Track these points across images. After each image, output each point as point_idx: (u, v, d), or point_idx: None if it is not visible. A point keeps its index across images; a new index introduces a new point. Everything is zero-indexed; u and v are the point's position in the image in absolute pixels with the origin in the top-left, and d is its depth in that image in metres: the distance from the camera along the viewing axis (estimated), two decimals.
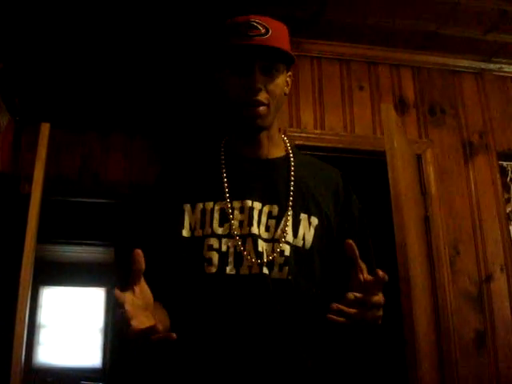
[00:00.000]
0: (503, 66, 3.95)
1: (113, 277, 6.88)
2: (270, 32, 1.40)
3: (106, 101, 4.45)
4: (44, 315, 8.73)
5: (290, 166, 1.53)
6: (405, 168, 2.98)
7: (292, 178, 1.50)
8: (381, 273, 1.21)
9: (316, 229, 1.46)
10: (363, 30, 3.59)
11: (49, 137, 3.17)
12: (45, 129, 3.15)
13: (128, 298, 1.13)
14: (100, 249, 7.52)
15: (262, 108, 1.42)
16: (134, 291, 1.16)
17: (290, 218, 1.43)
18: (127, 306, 1.11)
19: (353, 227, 1.53)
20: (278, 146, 1.57)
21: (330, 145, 3.51)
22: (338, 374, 1.47)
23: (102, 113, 4.60)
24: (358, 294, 1.21)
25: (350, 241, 1.25)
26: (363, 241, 1.53)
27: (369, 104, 3.69)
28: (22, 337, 2.93)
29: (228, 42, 1.43)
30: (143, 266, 1.15)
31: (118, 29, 3.57)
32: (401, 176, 2.77)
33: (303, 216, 1.45)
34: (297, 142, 3.40)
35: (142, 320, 1.12)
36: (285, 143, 1.60)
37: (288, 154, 1.57)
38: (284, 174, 1.51)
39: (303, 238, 1.43)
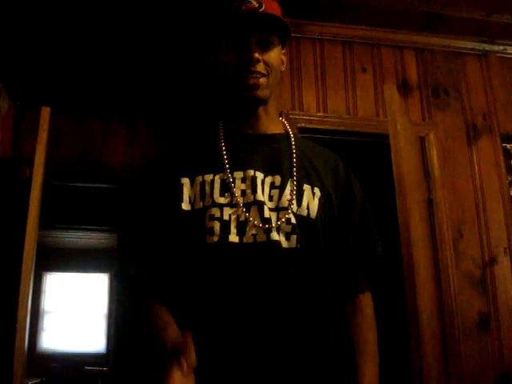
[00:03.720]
0: (507, 47, 3.91)
1: (116, 262, 6.90)
2: (264, 6, 1.39)
3: (107, 85, 4.43)
4: (48, 301, 8.78)
5: (290, 140, 1.53)
6: (408, 151, 2.97)
7: (294, 151, 1.49)
8: None
9: (320, 200, 1.44)
10: (366, 11, 3.55)
11: (50, 122, 3.16)
12: (45, 113, 3.13)
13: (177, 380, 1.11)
14: (103, 234, 7.54)
15: (261, 79, 1.42)
16: (182, 369, 1.13)
17: (293, 187, 1.41)
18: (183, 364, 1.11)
19: (355, 207, 1.51)
20: (276, 124, 1.56)
21: (332, 127, 3.49)
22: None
23: (103, 98, 4.58)
24: None
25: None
26: (365, 221, 1.52)
27: (372, 86, 3.66)
28: (25, 323, 2.93)
29: (223, 13, 1.43)
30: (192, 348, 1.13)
31: (118, 15, 3.55)
32: (404, 159, 2.76)
33: (306, 187, 1.43)
34: (299, 125, 3.38)
35: None
36: (283, 124, 1.59)
37: (287, 132, 1.56)
38: (285, 147, 1.50)
39: (307, 208, 1.41)
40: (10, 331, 2.90)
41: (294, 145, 1.51)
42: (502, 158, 3.68)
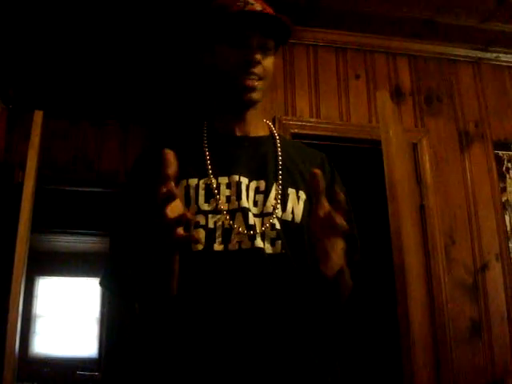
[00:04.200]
0: (500, 55, 3.93)
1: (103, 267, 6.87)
2: (265, 10, 1.40)
3: (100, 89, 4.43)
4: (40, 305, 8.73)
5: (275, 143, 1.52)
6: (400, 157, 2.97)
7: (279, 153, 1.48)
8: (340, 195, 1.18)
9: (305, 203, 1.43)
10: (359, 17, 3.56)
11: (43, 125, 3.15)
12: (38, 117, 3.13)
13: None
14: (95, 238, 7.51)
15: (257, 82, 1.41)
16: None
17: (277, 192, 1.40)
18: (166, 188, 1.09)
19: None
20: (262, 127, 1.56)
21: (325, 133, 3.50)
22: (338, 353, 1.44)
23: (96, 101, 4.58)
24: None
25: (317, 170, 1.21)
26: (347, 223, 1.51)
27: (365, 92, 3.67)
28: (16, 327, 2.92)
29: (226, 11, 1.40)
30: (175, 169, 1.12)
31: (110, 18, 3.55)
32: (396, 165, 2.76)
33: (291, 190, 1.42)
34: (292, 131, 3.39)
35: (173, 208, 1.10)
36: (268, 125, 1.59)
37: (272, 133, 1.56)
38: (270, 150, 1.49)
39: (292, 212, 1.40)
40: (1, 335, 2.88)
41: (280, 147, 1.51)
42: (494, 164, 3.70)
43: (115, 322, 7.17)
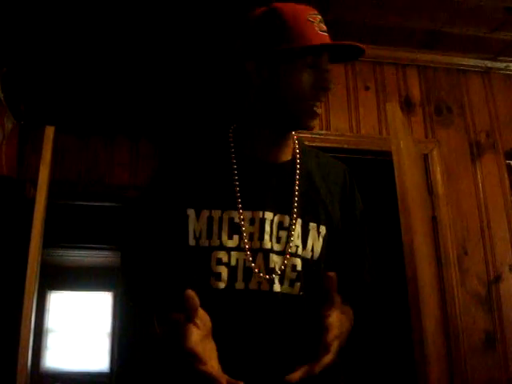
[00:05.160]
0: (510, 64, 3.92)
1: (120, 281, 6.88)
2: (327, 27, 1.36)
3: (110, 105, 4.45)
4: (51, 320, 8.74)
5: (299, 170, 1.45)
6: (411, 168, 2.96)
7: (300, 184, 1.42)
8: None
9: (324, 239, 1.40)
10: (369, 29, 3.56)
11: (54, 141, 3.17)
12: (49, 132, 3.14)
13: (195, 334, 1.10)
14: (106, 253, 7.53)
15: (320, 107, 1.37)
16: (196, 325, 1.12)
17: (299, 228, 1.37)
18: (198, 348, 1.09)
19: (353, 228, 1.50)
20: (290, 148, 1.48)
21: (335, 145, 3.49)
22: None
23: (106, 117, 4.60)
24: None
25: (332, 273, 1.21)
26: (360, 244, 1.51)
27: (374, 104, 3.67)
28: (28, 342, 2.92)
29: (304, 36, 1.32)
30: (198, 303, 1.11)
31: (122, 34, 3.56)
32: (407, 176, 2.75)
33: (312, 225, 1.39)
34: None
35: (212, 364, 1.10)
36: (294, 143, 1.51)
37: (295, 156, 1.47)
38: (293, 179, 1.42)
39: (312, 250, 1.38)
40: (14, 350, 2.88)
41: (302, 174, 1.44)
42: (505, 174, 3.68)
43: (128, 337, 7.16)
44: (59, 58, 3.83)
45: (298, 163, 1.46)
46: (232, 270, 1.31)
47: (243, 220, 1.34)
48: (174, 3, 3.29)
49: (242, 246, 1.32)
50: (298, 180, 1.43)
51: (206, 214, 1.35)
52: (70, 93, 4.29)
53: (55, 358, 8.55)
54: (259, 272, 1.31)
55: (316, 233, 1.39)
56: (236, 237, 1.33)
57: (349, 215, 1.48)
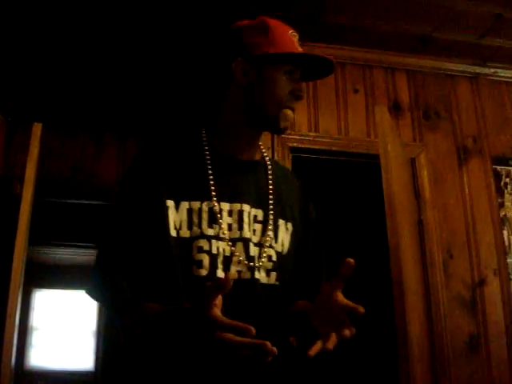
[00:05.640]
0: (498, 70, 3.95)
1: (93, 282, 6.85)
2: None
3: (98, 102, 4.44)
4: (36, 318, 8.69)
5: (267, 169, 1.54)
6: (398, 171, 2.98)
7: (271, 183, 1.50)
8: (360, 308, 1.19)
9: (291, 235, 1.49)
10: (359, 32, 3.58)
11: (41, 138, 3.16)
12: (37, 129, 3.13)
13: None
14: (92, 251, 7.48)
15: (293, 114, 1.47)
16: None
17: (271, 222, 1.44)
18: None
19: (311, 236, 1.57)
20: (258, 149, 1.56)
21: (323, 147, 3.50)
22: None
23: (94, 114, 4.59)
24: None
25: (351, 260, 1.22)
26: (316, 252, 1.58)
27: (363, 107, 3.68)
28: (12, 339, 2.91)
29: (288, 46, 1.43)
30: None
31: (110, 31, 3.56)
32: (394, 179, 2.76)
33: (281, 222, 1.47)
34: (290, 145, 3.39)
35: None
36: (260, 149, 1.58)
37: (263, 157, 1.57)
38: (263, 177, 1.51)
39: (282, 244, 1.45)
40: None
41: (271, 174, 1.53)
42: (492, 179, 3.70)
43: (112, 335, 7.14)
44: (47, 55, 3.82)
45: (269, 164, 1.56)
46: (213, 258, 1.34)
47: (222, 211, 1.39)
48: (161, 4, 3.30)
49: (222, 235, 1.36)
50: (271, 179, 1.51)
51: (185, 205, 1.38)
52: (59, 90, 4.28)
53: (40, 356, 8.50)
54: (241, 260, 1.35)
55: (285, 228, 1.47)
56: (216, 226, 1.37)
57: (305, 222, 1.57)
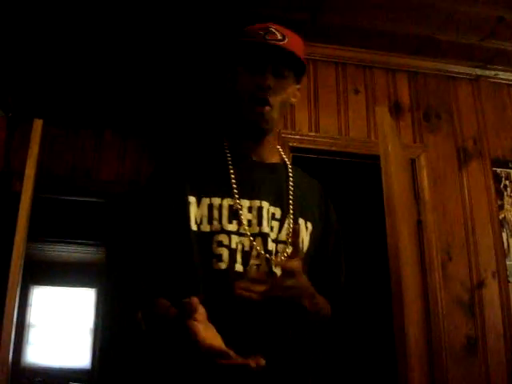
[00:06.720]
0: (499, 72, 3.95)
1: (104, 277, 6.85)
2: (287, 39, 1.44)
3: (99, 99, 4.44)
4: (34, 315, 8.68)
5: (287, 172, 1.58)
6: (398, 172, 2.97)
7: (291, 184, 1.54)
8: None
9: (310, 234, 1.51)
10: (359, 33, 3.58)
11: (41, 134, 3.15)
12: (37, 125, 3.12)
13: (201, 330, 1.15)
14: (91, 248, 7.50)
15: (267, 108, 1.45)
16: (196, 319, 1.17)
17: (290, 221, 1.47)
18: (198, 316, 1.15)
19: (330, 239, 1.60)
20: (275, 153, 1.61)
21: (324, 148, 3.50)
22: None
23: (95, 111, 4.58)
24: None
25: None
26: (336, 256, 1.62)
27: (364, 108, 3.68)
28: (10, 336, 2.90)
29: (245, 41, 1.48)
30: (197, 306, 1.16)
31: (112, 27, 3.55)
32: (394, 180, 2.76)
33: (301, 221, 1.50)
34: (291, 144, 3.39)
35: (209, 336, 1.16)
36: (279, 151, 1.64)
37: (284, 161, 1.61)
38: (284, 178, 1.56)
39: (302, 242, 1.48)
40: None
41: (292, 176, 1.57)
42: (491, 181, 3.70)
43: (110, 333, 7.14)
44: (49, 52, 3.81)
45: (290, 168, 1.60)
46: (232, 252, 1.39)
47: (241, 207, 1.44)
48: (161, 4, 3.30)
49: (242, 230, 1.41)
50: (292, 181, 1.55)
51: (206, 201, 1.43)
52: (59, 86, 4.27)
53: (37, 353, 8.50)
54: (260, 254, 1.39)
55: (304, 228, 1.50)
56: (235, 222, 1.42)
57: (327, 225, 1.60)
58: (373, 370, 4.24)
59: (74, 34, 3.61)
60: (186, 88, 4.24)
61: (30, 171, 3.07)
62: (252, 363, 1.09)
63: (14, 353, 3.08)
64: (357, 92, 3.72)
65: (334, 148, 3.52)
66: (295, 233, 1.36)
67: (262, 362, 1.10)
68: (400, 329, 2.54)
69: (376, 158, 2.88)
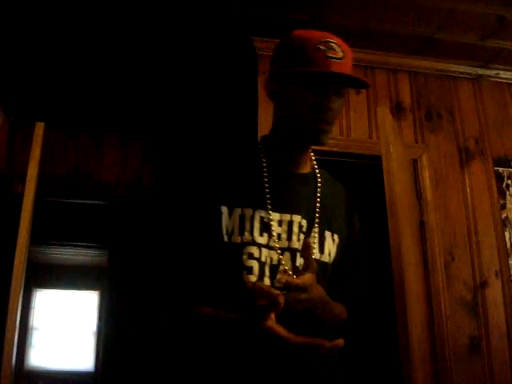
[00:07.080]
0: (500, 72, 3.94)
1: (106, 280, 6.85)
2: (346, 56, 1.42)
3: (100, 101, 4.44)
4: (37, 318, 8.69)
5: (317, 181, 1.56)
6: (400, 172, 2.97)
7: (319, 194, 1.53)
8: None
9: (337, 247, 1.51)
10: (360, 34, 3.58)
11: (43, 137, 3.15)
12: (39, 128, 3.13)
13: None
14: (94, 251, 7.49)
15: (328, 126, 1.42)
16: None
17: (315, 234, 1.46)
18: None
19: (352, 246, 1.59)
20: (308, 161, 1.58)
21: (325, 148, 3.43)
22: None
23: (96, 114, 4.59)
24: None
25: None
26: (355, 264, 1.61)
27: (365, 108, 3.68)
28: (13, 340, 2.90)
29: (308, 61, 1.38)
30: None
31: (114, 31, 3.56)
32: (396, 180, 2.76)
33: (327, 233, 1.50)
34: None
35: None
36: (311, 158, 1.60)
37: (314, 170, 1.58)
38: (313, 189, 1.54)
39: (329, 254, 1.48)
40: None
41: (320, 186, 1.55)
42: (493, 181, 3.70)
43: (113, 335, 7.14)
44: (50, 55, 3.82)
45: (319, 177, 1.58)
46: (261, 265, 1.39)
47: (272, 220, 1.42)
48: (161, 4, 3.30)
49: (271, 244, 1.40)
50: (319, 192, 1.53)
51: (238, 211, 1.42)
52: (61, 90, 4.27)
53: (40, 356, 8.50)
54: (286, 270, 1.39)
55: (331, 240, 1.50)
56: (265, 235, 1.41)
57: (350, 233, 1.59)
58: (377, 370, 4.23)
59: (75, 38, 3.61)
60: (187, 92, 4.24)
61: (31, 174, 3.08)
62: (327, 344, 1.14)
63: (17, 356, 3.07)
64: (358, 92, 3.71)
65: (335, 149, 3.51)
66: (307, 246, 1.33)
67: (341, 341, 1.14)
68: (403, 329, 2.54)
69: (378, 158, 2.88)
